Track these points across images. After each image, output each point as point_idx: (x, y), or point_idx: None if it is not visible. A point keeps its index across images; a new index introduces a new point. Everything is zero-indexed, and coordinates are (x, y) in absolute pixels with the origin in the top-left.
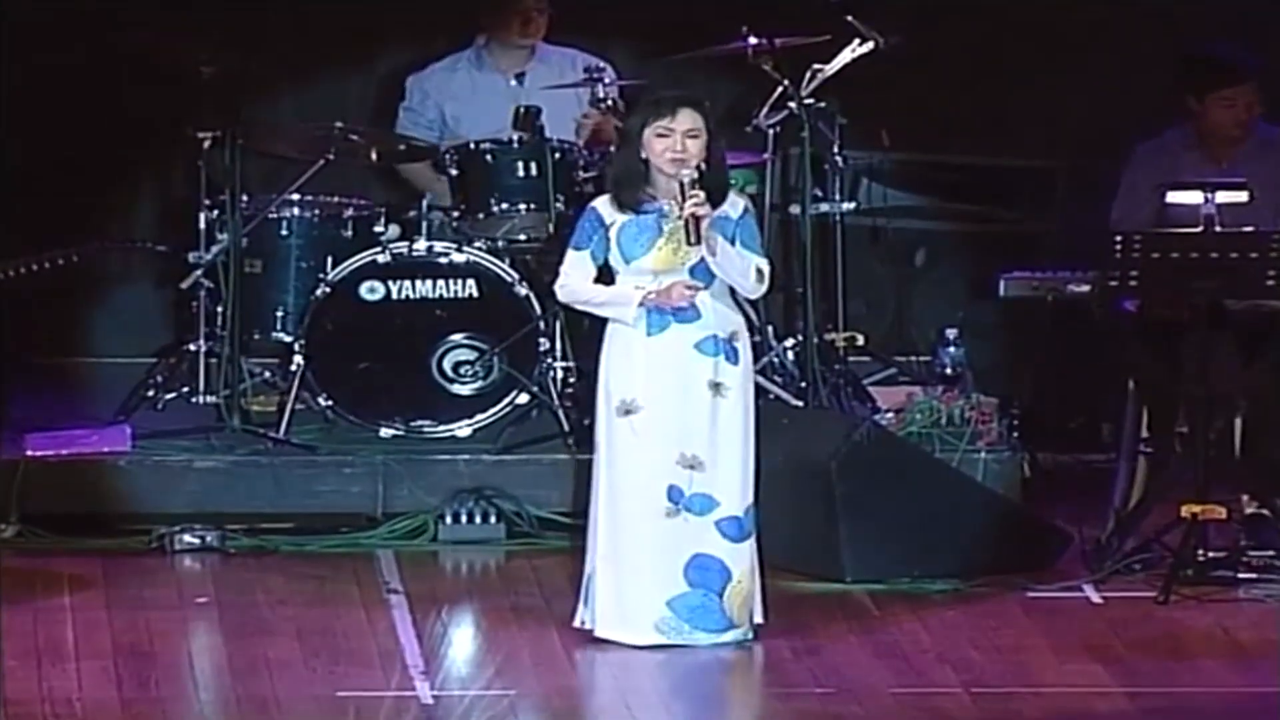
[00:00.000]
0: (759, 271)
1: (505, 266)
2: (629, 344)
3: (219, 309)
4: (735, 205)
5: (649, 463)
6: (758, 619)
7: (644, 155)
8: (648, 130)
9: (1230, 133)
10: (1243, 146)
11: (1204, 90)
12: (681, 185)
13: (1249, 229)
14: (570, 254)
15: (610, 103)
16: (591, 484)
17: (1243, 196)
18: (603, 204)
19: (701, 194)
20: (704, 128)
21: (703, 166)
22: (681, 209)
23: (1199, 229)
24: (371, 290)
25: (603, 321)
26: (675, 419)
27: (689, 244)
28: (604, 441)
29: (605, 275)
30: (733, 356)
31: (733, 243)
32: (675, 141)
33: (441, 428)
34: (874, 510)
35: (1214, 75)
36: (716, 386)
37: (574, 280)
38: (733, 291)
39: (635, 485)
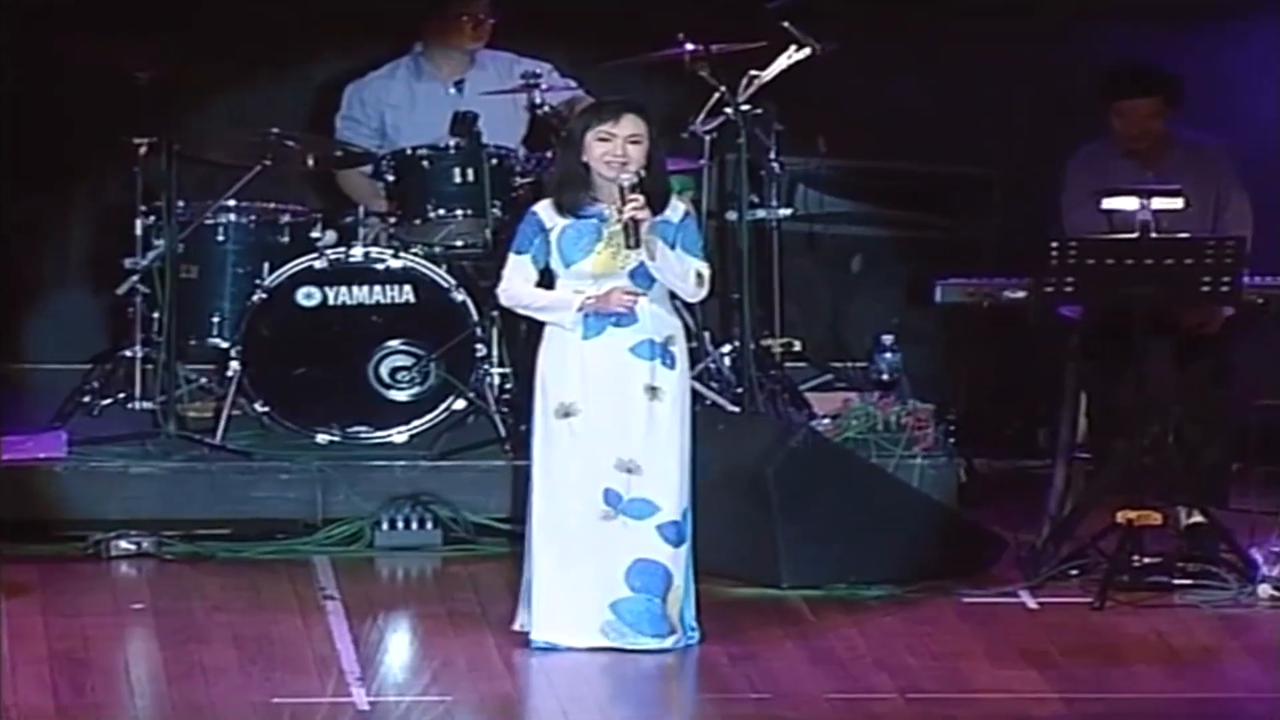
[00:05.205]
0: (699, 275)
1: (442, 272)
2: (565, 347)
3: (155, 315)
4: (676, 209)
5: (586, 466)
6: (691, 623)
7: (585, 159)
8: (589, 134)
9: (1131, 145)
10: (1169, 154)
11: (1105, 100)
12: (621, 189)
13: (1183, 235)
14: (511, 258)
15: (548, 108)
16: (529, 487)
17: (1178, 203)
18: (543, 208)
19: (641, 198)
20: (646, 133)
21: (642, 172)
22: (621, 213)
23: (1135, 235)
24: (308, 296)
25: (540, 326)
26: (612, 422)
27: (628, 247)
28: (541, 444)
29: (547, 279)
30: (669, 361)
31: (673, 247)
32: (616, 146)
33: (378, 433)
34: (810, 516)
35: (1114, 87)
36: (653, 390)
37: (515, 284)
38: (671, 296)
39: (572, 488)
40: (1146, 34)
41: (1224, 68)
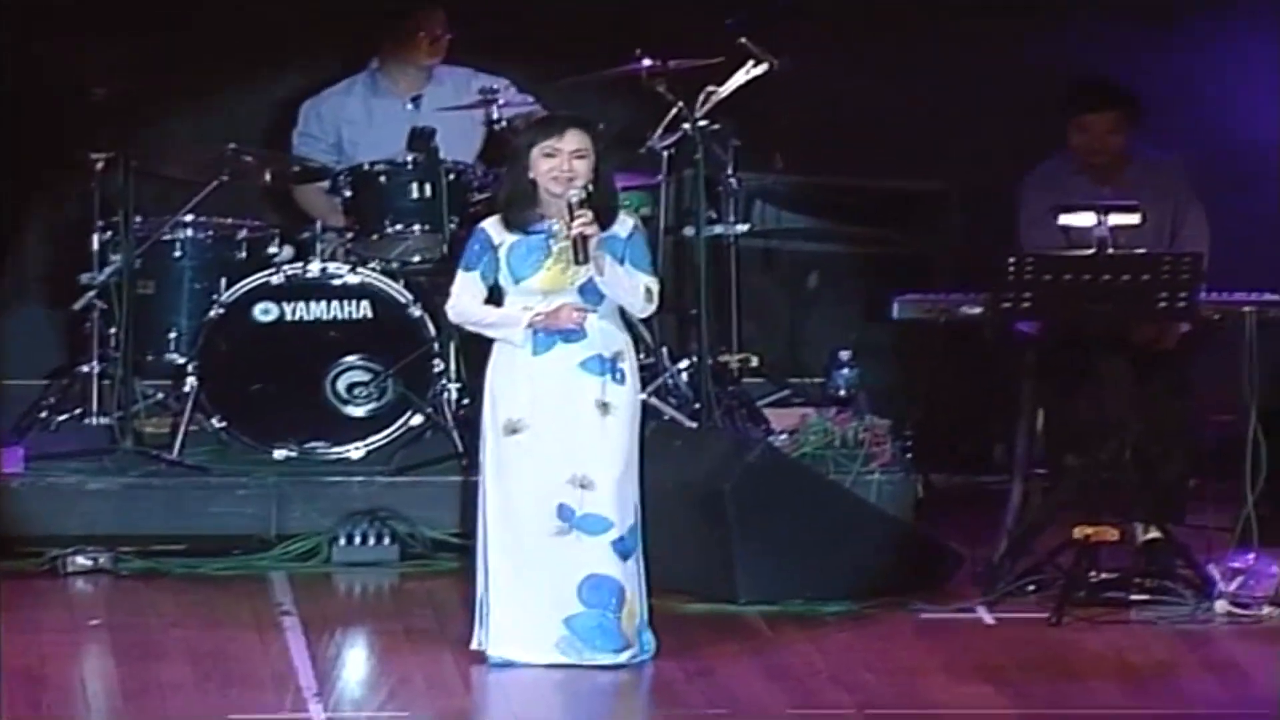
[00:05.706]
0: (648, 290)
1: (399, 288)
2: (514, 363)
3: (112, 330)
4: (624, 224)
5: (538, 482)
6: (648, 638)
7: (532, 175)
8: (535, 150)
9: (1090, 159)
10: (1126, 170)
11: (1065, 115)
12: (569, 205)
13: (1140, 251)
14: (460, 275)
15: (505, 123)
16: (479, 504)
17: (1134, 219)
18: (492, 224)
19: (589, 213)
20: (592, 149)
21: (590, 188)
22: (569, 228)
23: (1091, 251)
24: (265, 311)
25: (490, 342)
26: (563, 438)
27: (576, 263)
28: (491, 461)
29: (496, 295)
30: (619, 376)
31: (621, 262)
32: (562, 161)
33: (335, 449)
34: (767, 532)
35: (1074, 101)
36: (604, 406)
37: (463, 301)
38: (621, 311)
39: (525, 504)
40: (1103, 47)
41: (1183, 82)
